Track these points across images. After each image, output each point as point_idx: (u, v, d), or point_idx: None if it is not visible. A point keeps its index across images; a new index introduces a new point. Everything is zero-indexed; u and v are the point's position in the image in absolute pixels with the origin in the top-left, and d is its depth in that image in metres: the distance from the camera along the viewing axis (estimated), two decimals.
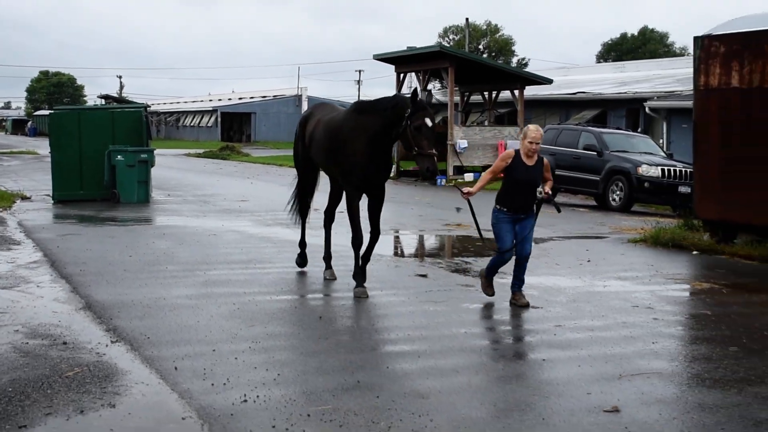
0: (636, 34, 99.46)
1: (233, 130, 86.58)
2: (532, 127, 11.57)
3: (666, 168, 26.32)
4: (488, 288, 12.03)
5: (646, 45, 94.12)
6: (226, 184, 34.07)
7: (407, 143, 11.55)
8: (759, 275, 15.20)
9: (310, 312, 11.04)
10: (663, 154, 28.98)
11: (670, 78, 42.01)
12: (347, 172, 12.41)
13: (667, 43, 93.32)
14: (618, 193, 26.82)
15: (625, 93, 42.16)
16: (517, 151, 11.39)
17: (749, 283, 14.23)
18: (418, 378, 8.39)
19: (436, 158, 11.60)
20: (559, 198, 29.37)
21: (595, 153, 27.66)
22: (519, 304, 11.61)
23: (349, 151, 12.25)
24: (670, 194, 26.24)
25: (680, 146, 33.20)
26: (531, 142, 11.25)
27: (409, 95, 12.01)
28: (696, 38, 18.82)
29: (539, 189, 11.32)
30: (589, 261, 15.60)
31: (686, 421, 7.42)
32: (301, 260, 14.34)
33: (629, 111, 41.43)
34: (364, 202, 12.49)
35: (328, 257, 13.86)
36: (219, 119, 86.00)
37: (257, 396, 7.71)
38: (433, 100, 41.87)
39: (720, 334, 10.28)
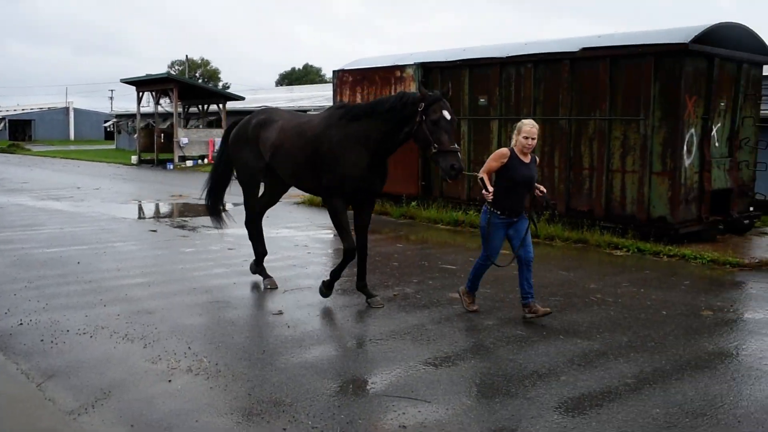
0: (301, 67, 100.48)
1: (18, 132, 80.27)
2: (527, 121, 7.58)
3: None
4: (472, 304, 7.95)
5: (307, 75, 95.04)
6: (12, 171, 31.33)
7: (424, 141, 7.22)
8: (374, 222, 15.71)
9: (72, 259, 10.40)
10: None
11: (322, 97, 42.76)
12: (336, 186, 7.77)
13: (321, 74, 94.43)
14: None
15: (293, 107, 42.78)
16: (511, 150, 7.53)
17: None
18: (147, 300, 8.16)
19: (460, 154, 7.36)
20: None
21: None
22: (540, 315, 7.52)
23: (341, 165, 7.67)
24: None
25: None
26: (526, 137, 7.45)
27: (410, 92, 7.96)
28: (334, 71, 19.19)
29: (540, 188, 7.54)
30: (267, 217, 15.52)
31: (325, 315, 7.69)
32: (265, 272, 9.20)
33: None
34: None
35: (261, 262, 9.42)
36: (7, 125, 79.79)
37: (30, 320, 7.25)
38: (160, 110, 41.18)
39: (354, 264, 10.63)
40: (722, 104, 13.45)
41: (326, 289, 8.19)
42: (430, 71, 16.68)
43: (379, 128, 7.55)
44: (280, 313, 7.69)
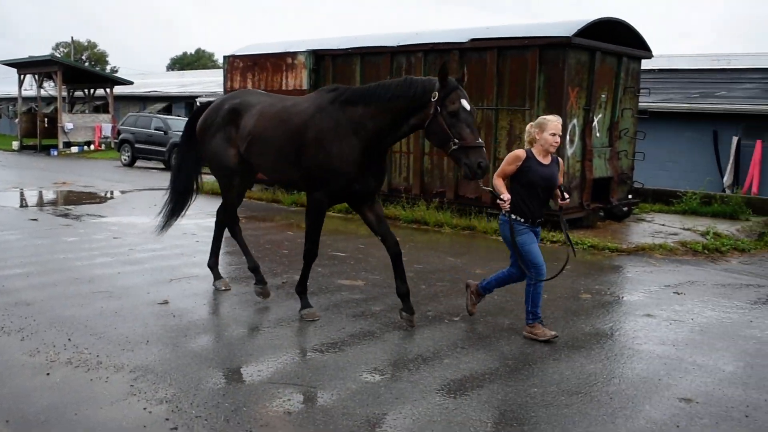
0: (193, 52, 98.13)
1: None
2: (551, 117, 6.67)
3: None
4: (546, 332, 6.65)
5: (200, 60, 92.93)
6: None
7: (441, 136, 6.11)
8: (265, 210, 15.65)
9: None
10: None
11: (214, 82, 41.93)
12: (319, 180, 6.71)
13: (214, 60, 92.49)
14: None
15: (184, 92, 42.02)
16: (528, 151, 6.64)
17: (259, 216, 14.63)
18: (26, 291, 7.85)
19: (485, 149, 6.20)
20: (140, 163, 28.53)
21: (163, 132, 26.89)
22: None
23: (327, 157, 6.57)
24: None
25: None
26: (554, 134, 6.56)
27: (420, 77, 6.48)
28: (225, 56, 18.92)
29: (563, 194, 6.69)
30: (155, 205, 15.15)
31: (212, 304, 7.60)
32: (261, 282, 7.88)
33: (187, 104, 41.04)
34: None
35: (216, 263, 8.43)
36: None
37: None
38: (44, 93, 39.36)
39: (236, 249, 10.53)
40: (603, 96, 14.00)
41: (304, 303, 7.17)
42: (322, 59, 16.68)
43: (377, 117, 6.43)
44: (166, 302, 7.55)
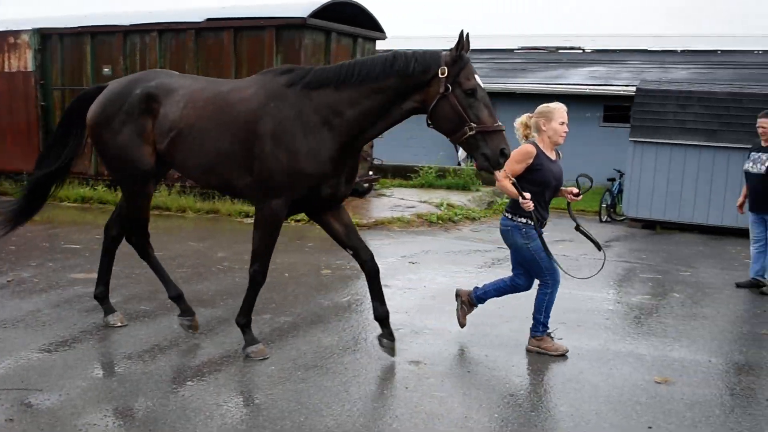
0: None
1: None
2: (557, 105, 5.86)
3: None
4: (559, 346, 6.07)
5: None
6: None
7: (454, 120, 4.98)
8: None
9: None
10: None
11: None
12: (279, 185, 5.34)
13: None
14: None
15: None
16: (535, 145, 5.80)
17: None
18: None
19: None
20: None
21: None
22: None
23: (293, 154, 5.25)
24: None
25: None
26: (563, 123, 5.79)
27: (419, 50, 5.16)
28: None
29: (572, 191, 5.92)
30: None
31: None
32: (188, 313, 6.35)
33: None
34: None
35: (105, 294, 6.64)
36: None
37: None
38: None
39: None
40: None
41: (249, 338, 5.82)
42: (49, 38, 15.64)
43: (358, 103, 5.21)
44: None
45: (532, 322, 6.11)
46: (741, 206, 9.19)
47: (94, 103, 6.16)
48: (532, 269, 6.00)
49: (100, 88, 6.30)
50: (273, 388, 5.14)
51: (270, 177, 5.35)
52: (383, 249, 10.28)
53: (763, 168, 8.75)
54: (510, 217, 5.92)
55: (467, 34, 4.98)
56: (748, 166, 9.00)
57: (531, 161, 5.76)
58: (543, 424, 4.74)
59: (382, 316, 5.84)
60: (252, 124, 5.39)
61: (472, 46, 5.25)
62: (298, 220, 11.92)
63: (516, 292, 6.28)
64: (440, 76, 4.98)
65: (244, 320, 5.78)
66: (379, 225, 12.04)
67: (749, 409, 5.14)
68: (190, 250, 9.79)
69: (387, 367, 5.64)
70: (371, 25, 15.39)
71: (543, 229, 5.93)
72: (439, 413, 4.83)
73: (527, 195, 5.66)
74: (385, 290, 7.79)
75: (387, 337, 5.85)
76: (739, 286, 9.04)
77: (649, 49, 25.88)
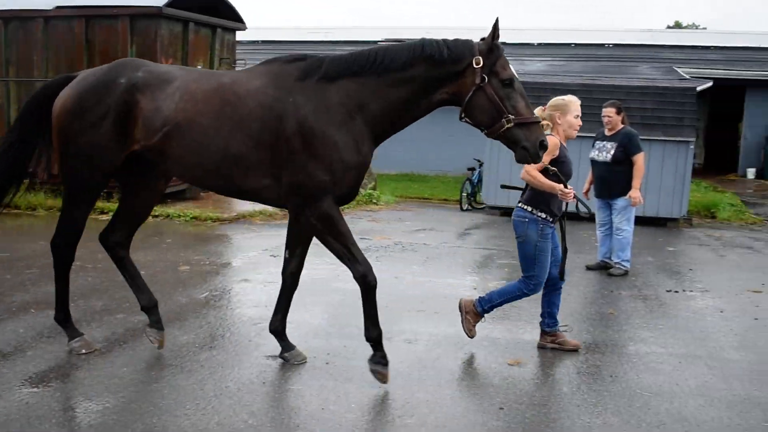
0: None
1: None
2: (572, 97, 5.83)
3: None
4: (473, 329, 6.15)
5: None
6: None
7: (491, 112, 4.75)
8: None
9: None
10: None
11: None
12: (324, 184, 4.84)
13: None
14: None
15: None
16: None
17: None
18: None
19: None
20: None
21: None
22: (573, 347, 6.12)
23: (334, 150, 4.79)
24: None
25: None
26: (578, 116, 5.77)
27: (443, 39, 4.87)
28: None
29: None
30: None
31: None
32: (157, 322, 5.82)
33: None
34: None
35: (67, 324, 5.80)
36: None
37: None
38: None
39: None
40: (199, 66, 14.09)
41: (377, 355, 5.25)
42: None
43: (383, 95, 4.86)
44: None
45: (486, 304, 6.07)
46: (587, 192, 9.65)
47: (66, 89, 5.33)
48: (526, 265, 5.87)
49: (69, 78, 5.50)
50: (125, 389, 4.99)
51: (310, 178, 4.86)
52: (244, 243, 10.17)
53: (609, 156, 9.23)
54: (530, 210, 5.77)
55: (498, 21, 4.74)
56: (594, 154, 9.48)
57: (557, 153, 5.67)
58: (400, 411, 4.82)
59: (281, 329, 5.70)
60: (271, 122, 4.88)
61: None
62: (156, 216, 11.60)
63: (524, 297, 6.08)
64: (475, 66, 4.74)
65: (375, 333, 5.20)
66: (241, 219, 11.90)
67: (594, 385, 5.43)
68: (40, 250, 9.29)
69: (244, 363, 5.59)
70: (231, 16, 15.16)
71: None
72: (296, 406, 4.84)
73: (570, 186, 5.60)
74: (245, 285, 7.84)
75: (291, 351, 5.67)
76: (588, 268, 9.51)
77: (507, 42, 26.75)
